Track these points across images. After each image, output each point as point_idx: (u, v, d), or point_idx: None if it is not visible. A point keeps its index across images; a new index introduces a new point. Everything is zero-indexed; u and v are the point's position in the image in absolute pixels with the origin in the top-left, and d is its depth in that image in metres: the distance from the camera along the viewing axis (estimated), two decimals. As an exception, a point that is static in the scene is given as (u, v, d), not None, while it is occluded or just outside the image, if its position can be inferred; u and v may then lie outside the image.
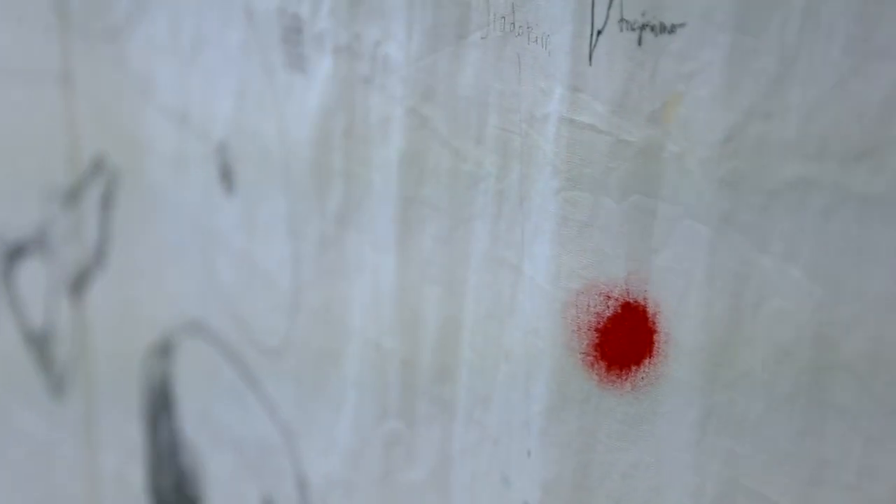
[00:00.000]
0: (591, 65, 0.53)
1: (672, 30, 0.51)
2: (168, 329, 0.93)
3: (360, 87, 0.66)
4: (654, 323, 0.54)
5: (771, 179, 0.49)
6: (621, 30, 0.52)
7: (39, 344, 1.05)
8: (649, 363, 0.55)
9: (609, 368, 0.56)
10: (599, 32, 0.52)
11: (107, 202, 0.95)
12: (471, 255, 0.63)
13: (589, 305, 0.56)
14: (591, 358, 0.57)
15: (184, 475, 0.95)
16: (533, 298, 0.59)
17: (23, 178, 0.99)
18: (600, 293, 0.55)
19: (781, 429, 0.51)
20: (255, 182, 0.77)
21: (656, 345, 0.54)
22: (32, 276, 1.04)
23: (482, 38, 0.58)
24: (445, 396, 0.67)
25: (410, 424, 0.70)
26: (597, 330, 0.56)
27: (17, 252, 1.04)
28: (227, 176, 0.80)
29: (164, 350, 0.94)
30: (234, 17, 0.75)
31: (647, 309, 0.54)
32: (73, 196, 0.97)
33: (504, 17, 0.57)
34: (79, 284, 0.99)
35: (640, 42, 0.51)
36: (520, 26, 0.56)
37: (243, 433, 0.87)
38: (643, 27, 0.51)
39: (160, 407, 0.96)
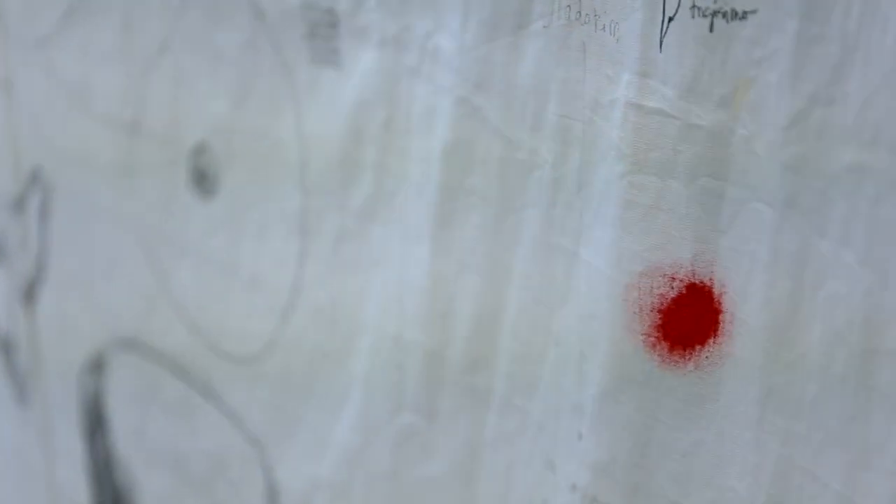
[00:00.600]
0: (661, 51, 0.55)
1: (744, 16, 0.52)
2: (101, 345, 0.91)
3: (405, 79, 0.67)
4: (719, 303, 0.56)
5: (831, 164, 0.51)
6: (693, 16, 0.53)
7: (5, 350, 1.04)
8: (714, 343, 0.56)
9: (672, 349, 0.58)
10: (671, 19, 0.54)
11: (44, 213, 0.93)
12: (519, 243, 0.64)
13: (652, 287, 0.57)
14: (652, 339, 0.58)
15: (119, 493, 0.94)
16: (591, 283, 0.60)
17: None
18: (664, 275, 0.57)
19: (833, 411, 0.53)
20: (250, 182, 0.76)
21: (721, 324, 0.56)
22: (-1, 283, 1.03)
23: (544, 27, 0.60)
24: (478, 385, 0.68)
25: (430, 417, 0.70)
26: (660, 311, 0.57)
27: (-17, 257, 1.04)
28: (204, 180, 0.79)
29: (96, 366, 0.92)
30: (231, 18, 0.75)
31: (713, 289, 0.56)
32: (18, 206, 0.96)
33: (569, 6, 0.58)
34: (29, 294, 0.98)
35: (711, 28, 0.53)
36: (586, 14, 0.58)
37: (187, 449, 0.86)
38: (715, 14, 0.53)
39: (95, 424, 0.94)
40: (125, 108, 0.81)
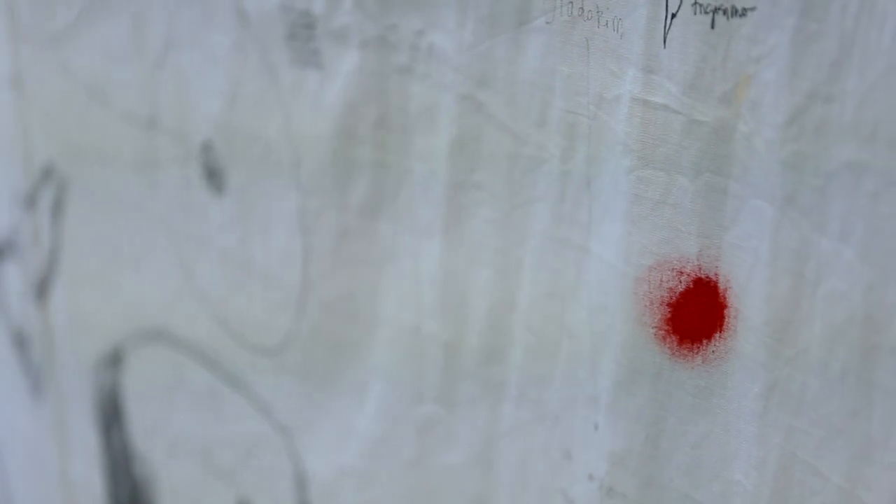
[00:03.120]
0: (665, 47, 0.55)
1: (743, 13, 0.52)
2: (120, 338, 0.92)
3: (395, 78, 0.67)
4: (724, 298, 0.56)
5: (829, 162, 0.51)
6: (695, 13, 0.53)
7: (20, 344, 1.04)
8: (720, 337, 0.57)
9: (681, 342, 0.58)
10: (674, 16, 0.54)
11: (57, 209, 0.94)
12: (529, 236, 0.65)
13: (661, 281, 0.58)
14: (662, 332, 0.58)
15: (137, 486, 0.95)
16: (601, 276, 0.61)
17: None
18: (673, 269, 0.57)
19: (835, 406, 0.53)
20: (252, 181, 0.77)
21: (726, 319, 0.56)
22: (12, 278, 1.03)
23: (547, 23, 0.60)
24: (494, 377, 0.68)
25: (450, 407, 0.71)
26: (669, 305, 0.58)
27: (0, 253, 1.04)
28: (214, 176, 0.79)
29: (114, 360, 0.93)
30: (220, 19, 0.75)
31: (719, 284, 0.56)
32: (30, 201, 0.96)
33: (572, 3, 0.58)
34: (42, 289, 0.99)
35: (713, 25, 0.53)
36: (588, 11, 0.58)
37: (213, 438, 0.87)
38: (716, 10, 0.53)
39: (111, 417, 0.95)
40: (142, 103, 0.82)
